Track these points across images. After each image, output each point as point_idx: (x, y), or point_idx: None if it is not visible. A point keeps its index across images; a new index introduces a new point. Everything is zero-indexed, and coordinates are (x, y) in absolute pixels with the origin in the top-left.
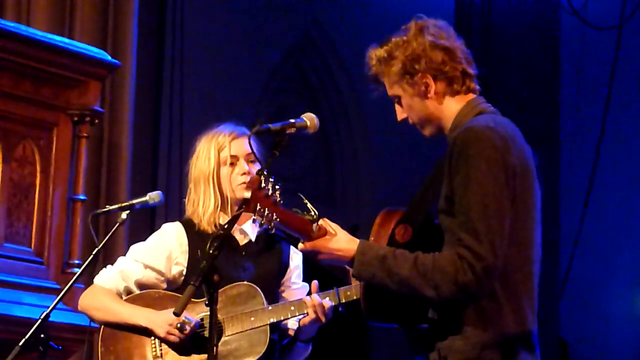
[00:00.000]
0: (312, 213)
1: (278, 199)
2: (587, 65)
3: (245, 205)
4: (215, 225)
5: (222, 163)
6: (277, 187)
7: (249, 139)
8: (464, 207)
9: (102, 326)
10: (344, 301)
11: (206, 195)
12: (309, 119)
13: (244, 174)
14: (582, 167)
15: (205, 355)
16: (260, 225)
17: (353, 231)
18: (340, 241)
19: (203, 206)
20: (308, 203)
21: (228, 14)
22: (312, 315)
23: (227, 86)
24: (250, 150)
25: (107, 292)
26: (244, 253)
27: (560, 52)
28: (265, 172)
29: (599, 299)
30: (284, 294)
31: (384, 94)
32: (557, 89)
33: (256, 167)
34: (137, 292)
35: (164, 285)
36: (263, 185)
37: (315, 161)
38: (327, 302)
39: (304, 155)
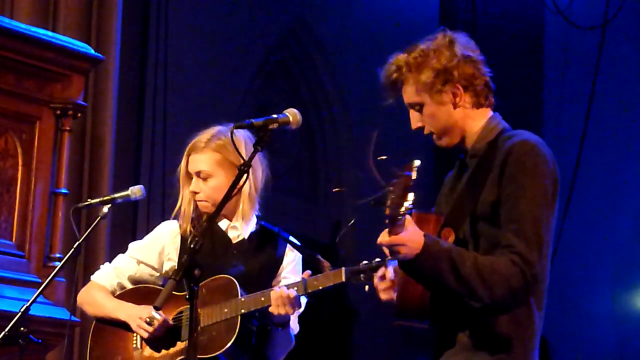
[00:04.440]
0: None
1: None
2: (571, 64)
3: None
4: (192, 224)
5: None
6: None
7: (231, 134)
8: (516, 216)
9: (94, 321)
10: (310, 291)
11: (183, 196)
12: (292, 114)
13: (192, 192)
14: (565, 165)
15: (174, 349)
16: (393, 215)
17: (335, 228)
18: (415, 232)
19: (181, 206)
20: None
21: (213, 9)
22: (274, 306)
23: (211, 81)
24: (198, 169)
25: (100, 288)
26: (235, 251)
27: (544, 51)
28: (419, 163)
29: (580, 297)
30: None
31: (367, 91)
32: (540, 88)
33: (211, 182)
34: (130, 287)
35: (159, 281)
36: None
37: (298, 157)
38: (292, 292)
39: (287, 152)
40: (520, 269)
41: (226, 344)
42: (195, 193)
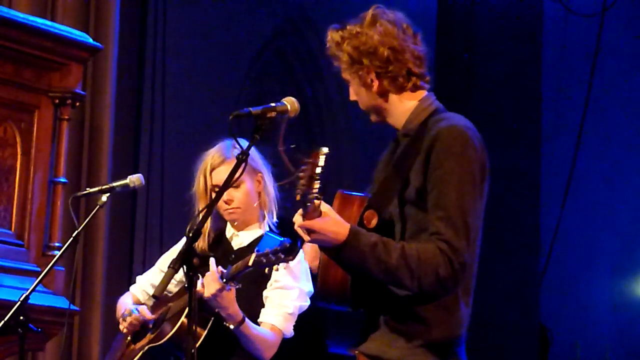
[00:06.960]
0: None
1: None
2: (569, 51)
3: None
4: (209, 238)
5: (209, 190)
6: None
7: (230, 125)
8: (443, 203)
9: None
10: (230, 276)
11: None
12: (290, 102)
13: (226, 201)
14: (563, 154)
15: (145, 340)
16: (303, 201)
17: None
18: (334, 223)
19: None
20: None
21: None
22: (205, 292)
23: (210, 70)
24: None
25: (128, 296)
26: (233, 256)
27: (542, 39)
28: (327, 151)
29: (580, 287)
30: (264, 292)
31: None
32: (538, 75)
33: (240, 190)
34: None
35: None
36: (324, 163)
37: (296, 146)
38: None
39: (285, 140)
40: (447, 257)
41: (166, 335)
42: (230, 202)
